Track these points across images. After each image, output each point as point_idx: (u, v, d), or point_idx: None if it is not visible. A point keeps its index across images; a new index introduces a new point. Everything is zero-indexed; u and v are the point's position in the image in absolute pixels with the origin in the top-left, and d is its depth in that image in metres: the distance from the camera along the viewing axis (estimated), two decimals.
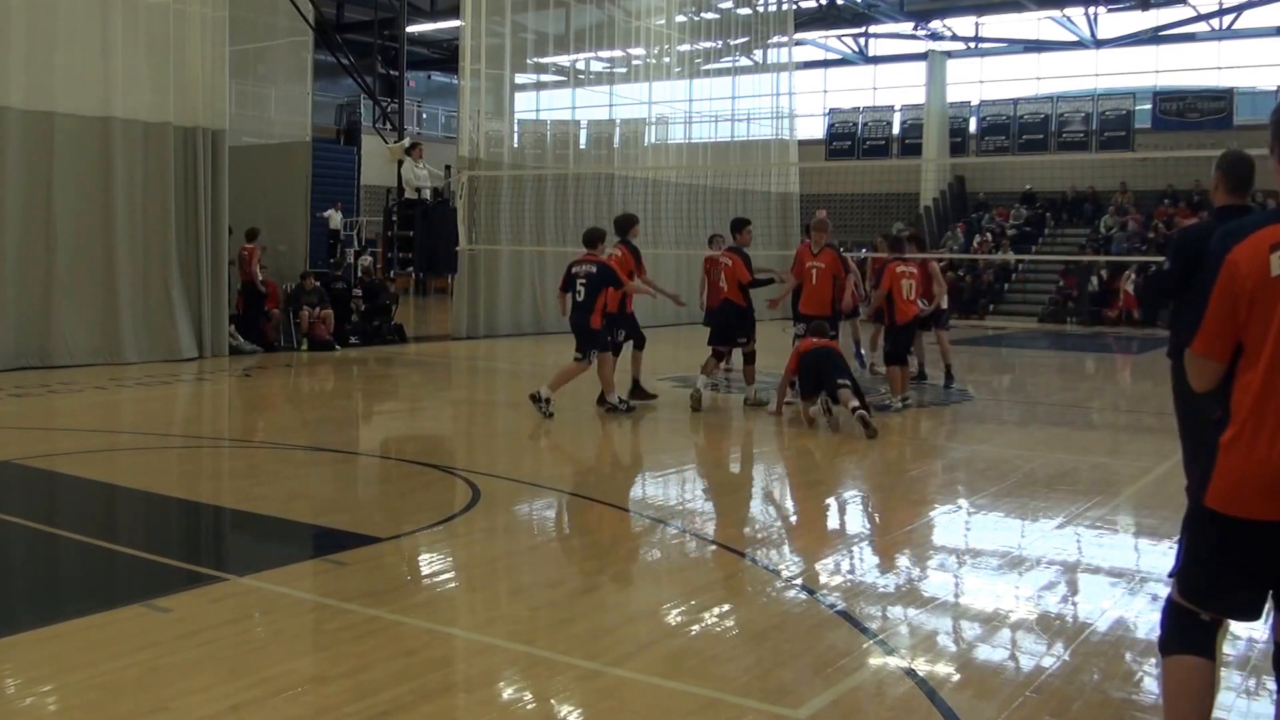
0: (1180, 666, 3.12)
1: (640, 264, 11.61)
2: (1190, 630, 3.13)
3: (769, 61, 27.96)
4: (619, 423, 10.51)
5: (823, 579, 5.63)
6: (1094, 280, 26.95)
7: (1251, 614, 3.11)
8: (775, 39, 27.87)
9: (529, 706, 3.98)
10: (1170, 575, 3.27)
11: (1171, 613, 3.21)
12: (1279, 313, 2.91)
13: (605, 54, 24.42)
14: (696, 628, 4.83)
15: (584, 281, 10.50)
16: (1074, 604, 5.32)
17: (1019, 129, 31.89)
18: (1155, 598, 5.31)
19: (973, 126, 32.98)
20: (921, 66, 33.15)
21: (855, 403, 9.58)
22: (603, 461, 9.56)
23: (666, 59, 24.81)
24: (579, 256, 10.77)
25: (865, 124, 34.37)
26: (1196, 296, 3.19)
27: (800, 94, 30.36)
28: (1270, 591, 3.07)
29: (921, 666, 4.36)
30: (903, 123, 33.74)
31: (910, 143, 33.00)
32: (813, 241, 11.93)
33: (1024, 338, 23.25)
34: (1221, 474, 3.00)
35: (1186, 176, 26.76)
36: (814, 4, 30.65)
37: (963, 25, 33.61)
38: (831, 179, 30.89)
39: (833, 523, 7.15)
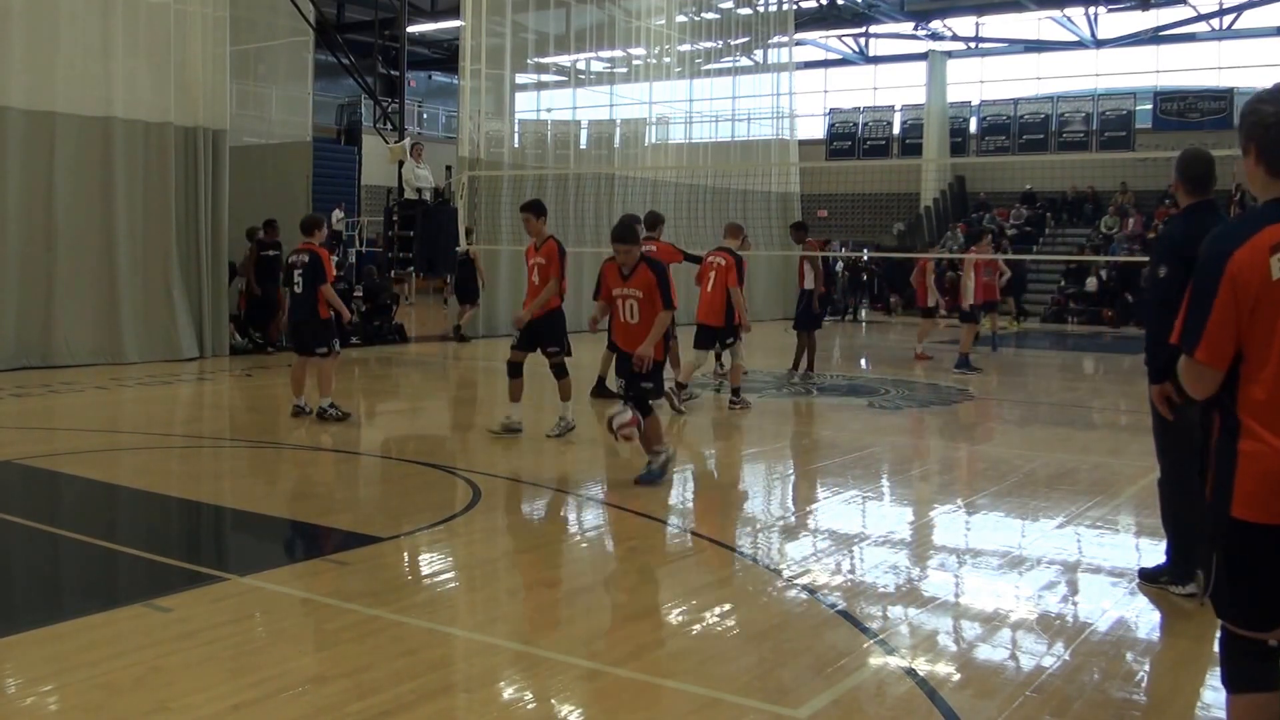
0: (1253, 707, 2.89)
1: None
2: (1253, 659, 2.87)
3: (769, 61, 27.93)
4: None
5: (823, 579, 5.63)
6: (1092, 281, 26.95)
7: None
8: (775, 39, 27.85)
9: (529, 706, 3.98)
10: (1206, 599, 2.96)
11: (1231, 646, 2.93)
12: None
13: (605, 54, 24.40)
14: (696, 628, 4.83)
15: None
16: (1074, 604, 5.32)
17: (1019, 129, 31.88)
18: (1155, 598, 5.32)
19: (973, 126, 32.98)
20: (922, 66, 33.15)
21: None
22: (602, 461, 9.54)
23: (667, 59, 24.79)
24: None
25: (865, 124, 34.37)
26: (1196, 298, 2.97)
27: (800, 94, 30.32)
28: None
29: (922, 666, 4.37)
30: (903, 123, 33.75)
31: (910, 143, 33.01)
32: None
33: (1024, 337, 23.24)
34: (1244, 483, 2.83)
35: None
36: (814, 4, 30.64)
37: (963, 25, 33.62)
38: (832, 179, 30.93)
39: (833, 522, 7.15)
